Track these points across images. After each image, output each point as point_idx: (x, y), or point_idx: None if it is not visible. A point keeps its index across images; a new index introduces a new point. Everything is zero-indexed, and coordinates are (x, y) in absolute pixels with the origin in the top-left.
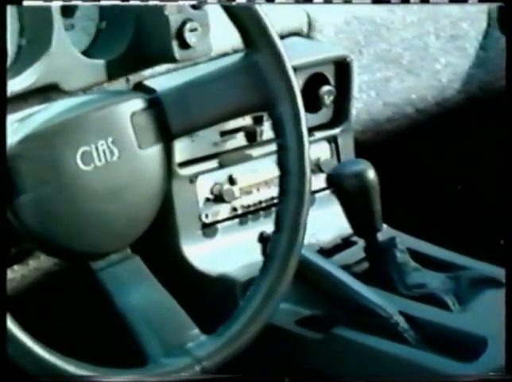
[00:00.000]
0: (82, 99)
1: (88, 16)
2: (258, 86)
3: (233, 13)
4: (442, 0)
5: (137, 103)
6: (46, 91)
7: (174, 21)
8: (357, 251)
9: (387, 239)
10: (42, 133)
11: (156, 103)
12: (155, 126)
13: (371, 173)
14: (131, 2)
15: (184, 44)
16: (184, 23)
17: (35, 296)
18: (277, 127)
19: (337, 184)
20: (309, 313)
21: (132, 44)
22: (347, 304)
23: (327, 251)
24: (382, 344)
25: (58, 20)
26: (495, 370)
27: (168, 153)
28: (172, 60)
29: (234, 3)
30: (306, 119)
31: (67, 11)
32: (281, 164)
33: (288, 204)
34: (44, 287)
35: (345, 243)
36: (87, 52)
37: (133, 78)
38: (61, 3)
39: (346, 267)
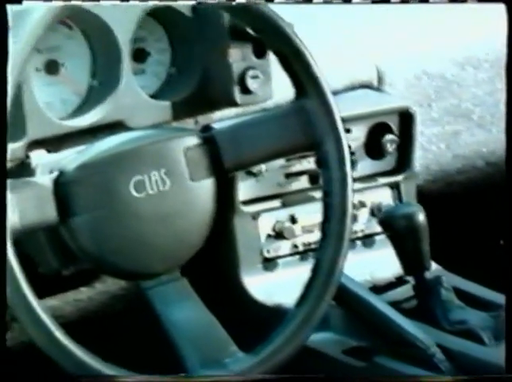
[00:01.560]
0: (138, 134)
1: (160, 62)
2: (305, 128)
3: (284, 61)
4: (442, 0)
5: (192, 140)
6: (113, 128)
7: (237, 67)
8: (407, 289)
9: (434, 278)
10: (98, 161)
11: (210, 141)
12: (208, 161)
13: (421, 216)
14: (131, 3)
15: (245, 90)
16: (246, 70)
17: (101, 317)
18: (323, 167)
19: (388, 225)
20: (355, 344)
21: (197, 88)
22: (389, 335)
23: (379, 288)
24: (418, 373)
25: (127, 64)
26: None
27: (220, 186)
28: (234, 104)
29: (234, 3)
30: (370, 166)
31: (139, 57)
32: (325, 210)
33: (327, 250)
34: (109, 310)
35: (398, 282)
36: (155, 95)
37: (202, 120)
38: (61, 3)
39: (395, 303)
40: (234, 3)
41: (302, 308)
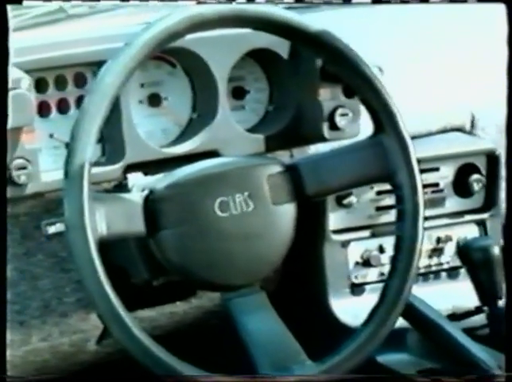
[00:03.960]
0: (225, 160)
1: (258, 100)
2: (381, 161)
3: (365, 101)
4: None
5: (275, 167)
6: (208, 156)
7: (327, 106)
8: (482, 318)
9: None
10: (186, 182)
11: (293, 169)
12: (290, 187)
13: (495, 249)
14: (131, 2)
15: (334, 127)
16: (335, 108)
17: (195, 330)
18: (396, 200)
19: (465, 256)
20: (429, 365)
21: (290, 123)
22: (456, 357)
23: (457, 316)
24: None
25: (224, 100)
26: None
27: (302, 212)
28: (323, 139)
29: (233, 3)
30: (458, 203)
31: (238, 94)
32: (396, 242)
33: (394, 280)
34: (203, 324)
35: (475, 311)
36: (252, 129)
37: (297, 154)
38: (61, 3)
39: (470, 330)
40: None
41: (368, 327)
